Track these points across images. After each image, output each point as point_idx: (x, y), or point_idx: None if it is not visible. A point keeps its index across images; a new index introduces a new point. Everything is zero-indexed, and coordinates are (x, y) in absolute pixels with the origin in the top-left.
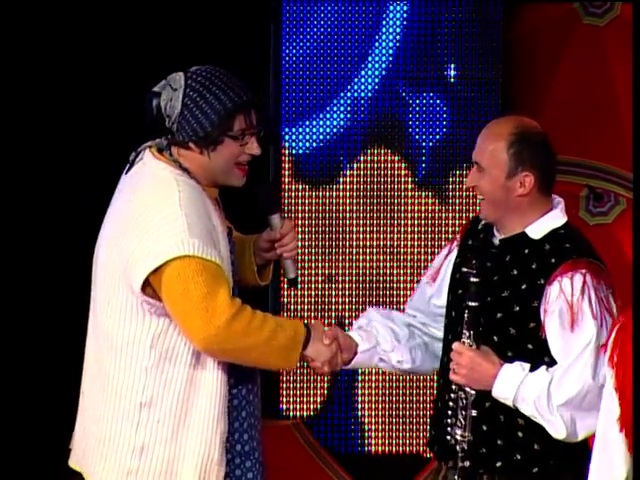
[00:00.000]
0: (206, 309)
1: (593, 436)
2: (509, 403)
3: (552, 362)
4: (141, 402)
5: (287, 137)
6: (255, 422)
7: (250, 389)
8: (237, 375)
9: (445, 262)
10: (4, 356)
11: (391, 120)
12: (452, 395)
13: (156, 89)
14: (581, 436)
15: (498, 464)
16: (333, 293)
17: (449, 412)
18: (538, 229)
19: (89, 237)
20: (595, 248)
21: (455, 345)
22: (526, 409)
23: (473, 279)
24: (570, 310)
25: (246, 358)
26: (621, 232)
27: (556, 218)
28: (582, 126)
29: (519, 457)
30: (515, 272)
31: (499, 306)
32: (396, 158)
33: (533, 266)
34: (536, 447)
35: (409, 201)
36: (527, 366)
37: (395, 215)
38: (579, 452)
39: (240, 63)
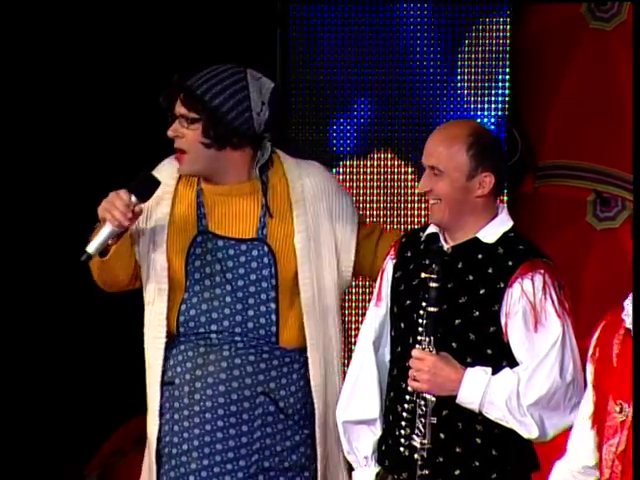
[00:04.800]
0: None
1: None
2: (474, 407)
3: (511, 366)
4: None
5: (293, 140)
6: (192, 426)
7: (180, 395)
8: (172, 378)
9: (383, 280)
10: (11, 357)
11: (397, 124)
12: (406, 405)
13: None
14: (550, 435)
15: (457, 472)
16: (346, 297)
17: (403, 423)
18: (490, 233)
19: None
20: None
21: (415, 352)
22: (494, 412)
23: (433, 284)
24: (533, 310)
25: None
26: (628, 237)
27: (504, 222)
28: (589, 130)
29: (477, 464)
30: (471, 277)
31: (457, 312)
32: (402, 162)
33: (490, 270)
34: (494, 453)
35: (417, 205)
36: (489, 370)
37: (408, 220)
38: (534, 457)
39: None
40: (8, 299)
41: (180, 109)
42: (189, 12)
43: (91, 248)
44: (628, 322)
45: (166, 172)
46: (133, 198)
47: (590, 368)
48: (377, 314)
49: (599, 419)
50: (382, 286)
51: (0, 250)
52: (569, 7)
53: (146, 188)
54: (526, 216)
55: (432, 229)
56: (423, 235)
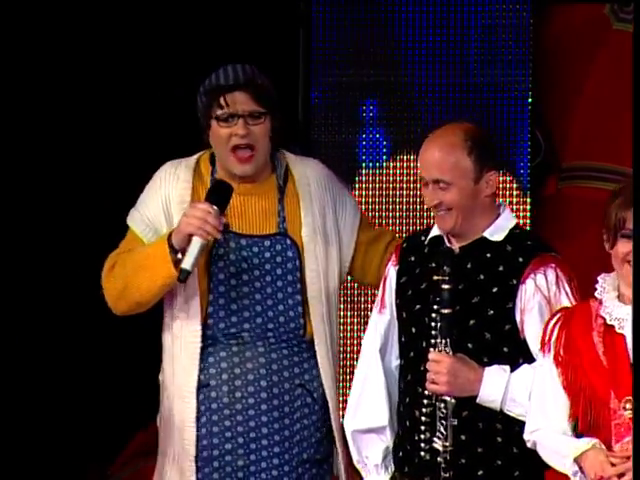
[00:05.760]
0: None
1: None
2: (496, 406)
3: (527, 362)
4: None
5: (315, 141)
6: (235, 424)
7: (218, 395)
8: (206, 381)
9: (386, 287)
10: (37, 356)
11: (420, 125)
12: (425, 409)
13: None
14: None
15: (480, 472)
16: (362, 300)
17: (422, 427)
18: (497, 231)
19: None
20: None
21: (432, 354)
22: (516, 409)
23: (445, 286)
24: (549, 305)
25: (132, 290)
26: None
27: (508, 219)
28: (612, 132)
29: (500, 463)
30: (482, 277)
31: (471, 313)
32: None
33: (500, 268)
34: (515, 451)
35: None
36: (507, 367)
37: (431, 222)
38: None
39: (269, 68)
40: (38, 299)
41: (248, 106)
42: (212, 13)
43: (188, 265)
44: (609, 319)
45: (176, 176)
46: (215, 208)
47: (555, 370)
48: (381, 321)
49: (586, 418)
50: (385, 293)
51: (32, 259)
52: (592, 8)
53: (223, 196)
54: (549, 217)
55: (435, 232)
56: (426, 239)
